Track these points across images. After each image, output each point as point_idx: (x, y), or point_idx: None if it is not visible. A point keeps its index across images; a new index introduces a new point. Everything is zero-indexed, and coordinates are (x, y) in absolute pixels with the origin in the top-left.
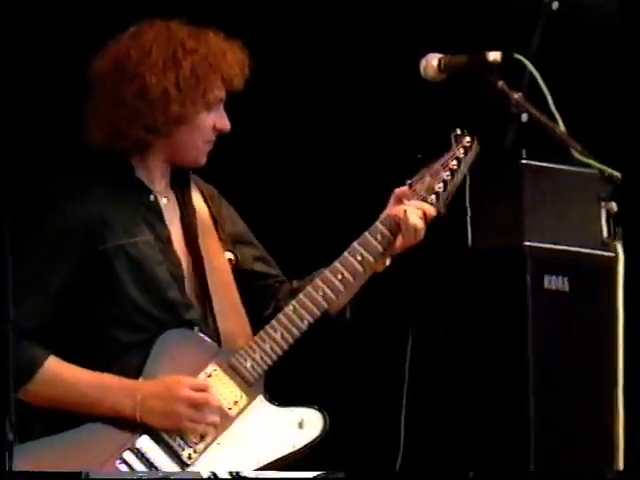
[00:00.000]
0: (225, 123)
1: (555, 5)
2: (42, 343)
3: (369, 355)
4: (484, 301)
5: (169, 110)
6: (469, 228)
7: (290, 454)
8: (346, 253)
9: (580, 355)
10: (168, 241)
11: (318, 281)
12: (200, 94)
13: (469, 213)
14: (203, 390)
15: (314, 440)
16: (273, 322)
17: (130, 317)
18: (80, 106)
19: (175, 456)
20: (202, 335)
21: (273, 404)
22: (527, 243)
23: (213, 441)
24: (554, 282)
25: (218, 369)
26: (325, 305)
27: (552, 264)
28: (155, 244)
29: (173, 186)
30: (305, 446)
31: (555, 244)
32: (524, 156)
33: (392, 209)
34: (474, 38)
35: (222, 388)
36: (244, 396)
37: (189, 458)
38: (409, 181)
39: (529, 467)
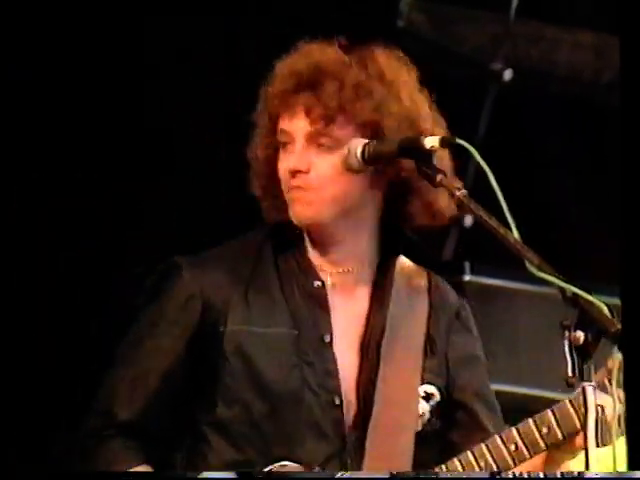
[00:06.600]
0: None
1: (508, 75)
2: (136, 442)
3: None
4: None
5: None
6: None
7: None
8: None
9: None
10: (322, 340)
11: (514, 432)
12: None
13: None
14: None
15: None
16: None
17: (235, 426)
18: None
19: None
20: None
21: None
22: None
23: None
24: None
25: None
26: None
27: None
28: (296, 341)
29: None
30: None
31: (504, 385)
32: (467, 271)
33: None
34: None
35: None
36: None
37: None
38: None
39: None
